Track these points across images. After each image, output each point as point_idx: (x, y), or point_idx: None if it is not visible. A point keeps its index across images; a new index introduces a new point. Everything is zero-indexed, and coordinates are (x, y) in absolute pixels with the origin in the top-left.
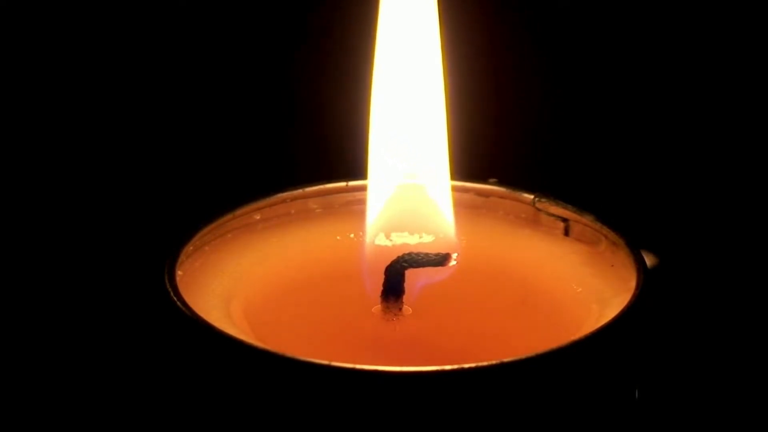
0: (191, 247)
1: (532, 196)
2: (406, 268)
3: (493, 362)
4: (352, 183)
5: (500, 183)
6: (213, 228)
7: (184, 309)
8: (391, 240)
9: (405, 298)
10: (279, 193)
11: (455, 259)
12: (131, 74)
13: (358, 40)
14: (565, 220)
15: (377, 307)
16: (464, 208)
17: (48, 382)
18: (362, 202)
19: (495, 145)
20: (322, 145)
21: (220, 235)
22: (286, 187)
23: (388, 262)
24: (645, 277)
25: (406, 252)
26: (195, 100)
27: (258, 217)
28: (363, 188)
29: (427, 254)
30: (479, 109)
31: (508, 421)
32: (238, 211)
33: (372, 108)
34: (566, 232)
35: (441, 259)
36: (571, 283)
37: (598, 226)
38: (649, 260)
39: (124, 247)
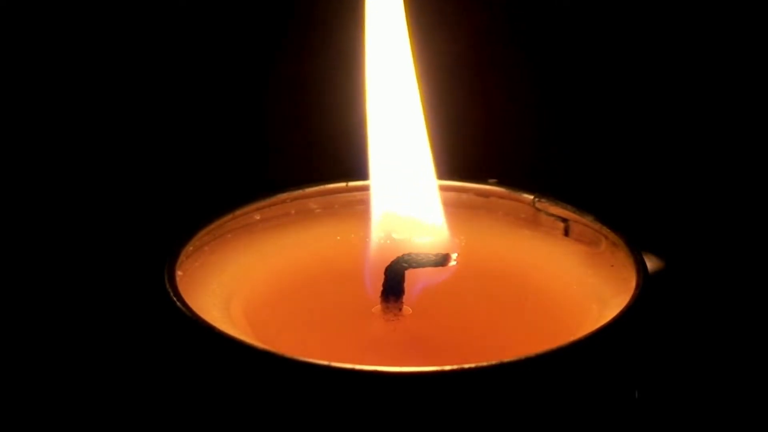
0: (191, 247)
1: (532, 196)
2: (406, 268)
3: (493, 362)
4: (352, 183)
5: (500, 183)
6: (213, 228)
7: (184, 309)
8: (391, 240)
9: (405, 298)
10: (279, 193)
11: (455, 260)
12: (132, 75)
13: (360, 40)
14: (565, 220)
15: (377, 307)
16: (464, 208)
17: (48, 382)
18: (362, 202)
19: (495, 146)
20: (322, 145)
21: (220, 235)
22: (286, 187)
23: (388, 262)
24: (645, 277)
25: (406, 252)
26: (195, 101)
27: (258, 217)
28: (363, 188)
29: (427, 254)
30: (479, 110)
31: (508, 421)
32: (238, 211)
33: (367, 110)
34: (566, 232)
35: (441, 260)
36: (571, 283)
37: (598, 226)
38: (652, 263)
39: (124, 248)
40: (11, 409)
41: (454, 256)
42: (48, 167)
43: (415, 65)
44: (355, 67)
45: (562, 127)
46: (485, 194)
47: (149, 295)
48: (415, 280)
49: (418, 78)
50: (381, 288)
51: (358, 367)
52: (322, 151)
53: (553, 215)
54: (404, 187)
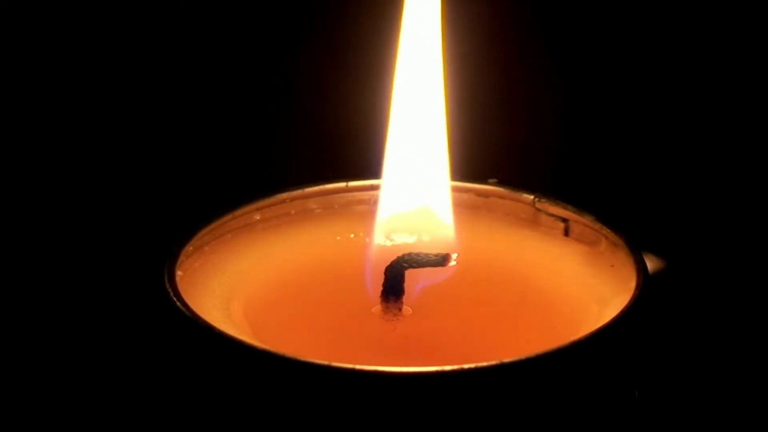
0: (191, 247)
1: (532, 196)
2: (406, 268)
3: (493, 362)
4: (352, 183)
5: (500, 183)
6: (213, 228)
7: (184, 309)
8: (391, 240)
9: (405, 298)
10: (279, 193)
11: (455, 259)
12: (132, 75)
13: (362, 40)
14: (565, 220)
15: (377, 307)
16: (464, 208)
17: (48, 382)
18: (362, 202)
19: (495, 145)
20: (323, 145)
21: (220, 235)
22: (286, 187)
23: (388, 262)
24: (645, 277)
25: (406, 252)
26: (195, 100)
27: (258, 217)
28: (363, 188)
29: (427, 254)
30: (479, 109)
31: (508, 421)
32: (238, 211)
33: (390, 109)
34: (566, 232)
35: (441, 260)
36: (571, 283)
37: (598, 226)
38: (653, 263)
39: (124, 247)
40: (11, 409)
41: (454, 256)
42: (48, 167)
43: (444, 67)
44: (356, 66)
45: (563, 128)
46: (485, 194)
47: (149, 295)
48: (415, 280)
49: (445, 79)
50: (381, 288)
51: (358, 367)
52: (322, 151)
53: (553, 215)
54: (417, 186)
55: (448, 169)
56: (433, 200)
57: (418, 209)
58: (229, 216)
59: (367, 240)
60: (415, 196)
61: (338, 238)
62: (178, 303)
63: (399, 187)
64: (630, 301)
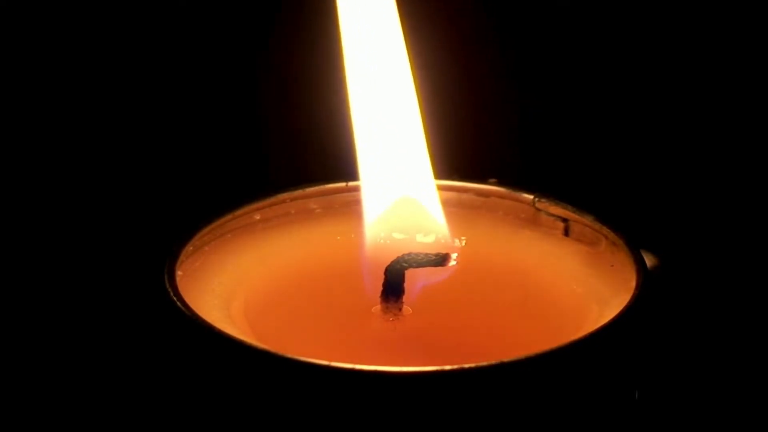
0: (191, 247)
1: (532, 196)
2: (406, 268)
3: (493, 362)
4: (352, 183)
5: (500, 183)
6: (213, 228)
7: (183, 309)
8: (391, 240)
9: (405, 298)
10: (279, 193)
11: (455, 259)
12: (132, 75)
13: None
14: (565, 220)
15: (377, 307)
16: (464, 208)
17: (48, 382)
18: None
19: (495, 145)
20: (323, 145)
21: (220, 235)
22: (286, 187)
23: (388, 262)
24: (645, 277)
25: (406, 252)
26: (195, 101)
27: (258, 217)
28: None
29: (427, 254)
30: (479, 109)
31: (508, 421)
32: (238, 211)
33: (352, 112)
34: (566, 232)
35: (441, 259)
36: (571, 283)
37: (598, 226)
38: (649, 261)
39: (124, 247)
40: (11, 409)
41: (453, 256)
42: (48, 167)
43: (411, 64)
44: None
45: (563, 128)
46: (485, 194)
47: (149, 295)
48: (415, 280)
49: (414, 77)
50: (381, 288)
51: (358, 367)
52: (323, 151)
53: (553, 215)
54: (401, 186)
55: (429, 166)
56: (421, 198)
57: (407, 208)
58: (229, 216)
59: (365, 240)
60: (398, 195)
61: (338, 238)
62: (178, 303)
63: (379, 187)
64: (630, 301)
